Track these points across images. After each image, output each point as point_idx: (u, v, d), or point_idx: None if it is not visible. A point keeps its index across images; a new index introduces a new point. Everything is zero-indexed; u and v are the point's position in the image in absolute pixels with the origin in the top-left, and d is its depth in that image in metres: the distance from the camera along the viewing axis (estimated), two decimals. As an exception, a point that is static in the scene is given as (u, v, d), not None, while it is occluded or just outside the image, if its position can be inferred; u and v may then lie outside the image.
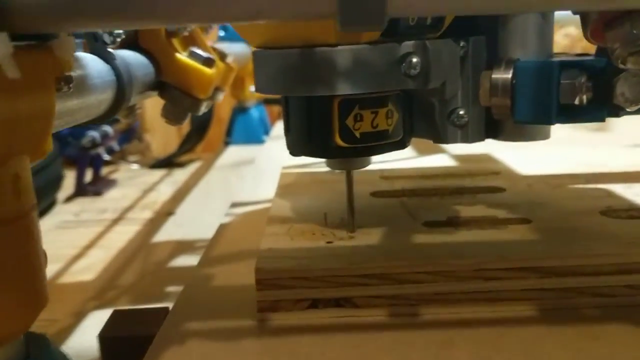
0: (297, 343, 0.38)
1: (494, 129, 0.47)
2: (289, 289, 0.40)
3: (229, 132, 1.40)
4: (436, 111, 0.46)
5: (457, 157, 0.81)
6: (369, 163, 0.46)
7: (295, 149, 0.45)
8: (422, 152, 0.91)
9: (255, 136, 1.35)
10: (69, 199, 1.20)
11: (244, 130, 1.36)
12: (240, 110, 1.39)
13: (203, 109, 0.56)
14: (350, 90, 0.40)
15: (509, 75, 0.42)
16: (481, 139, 0.47)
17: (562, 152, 0.86)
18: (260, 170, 0.89)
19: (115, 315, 0.44)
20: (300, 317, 0.40)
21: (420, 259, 0.41)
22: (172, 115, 0.55)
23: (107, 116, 0.44)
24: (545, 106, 0.40)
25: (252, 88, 1.34)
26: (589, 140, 0.94)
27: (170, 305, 0.45)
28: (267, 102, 1.49)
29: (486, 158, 0.77)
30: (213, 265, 0.51)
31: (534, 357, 0.35)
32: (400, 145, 0.45)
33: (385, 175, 0.63)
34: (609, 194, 0.55)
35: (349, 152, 0.42)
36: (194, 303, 0.44)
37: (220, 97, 0.65)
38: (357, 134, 0.42)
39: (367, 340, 0.38)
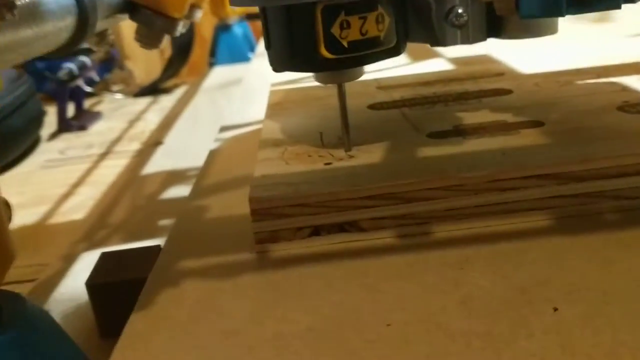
0: (301, 274, 0.35)
1: (496, 27, 0.43)
2: (287, 217, 0.37)
3: (212, 53, 1.33)
4: (432, 11, 0.41)
5: (455, 61, 0.76)
6: (361, 74, 0.41)
7: (278, 65, 0.41)
8: (416, 58, 0.86)
9: (241, 55, 1.29)
10: (53, 136, 1.16)
11: (228, 49, 1.30)
12: (222, 28, 1.32)
13: (180, 29, 0.51)
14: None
15: (516, -38, 0.37)
16: (483, 38, 0.43)
17: (564, 47, 0.81)
18: (249, 90, 0.85)
19: (102, 259, 0.41)
20: (302, 246, 0.38)
21: (428, 173, 0.37)
22: (146, 38, 0.50)
23: (73, 45, 0.39)
24: None
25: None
26: (591, 33, 0.88)
27: (162, 242, 0.42)
28: (251, 17, 1.42)
29: (486, 59, 0.73)
30: (205, 196, 0.48)
31: (559, 271, 0.32)
32: (394, 52, 0.40)
33: (382, 85, 0.59)
34: (624, 88, 0.51)
35: (337, 63, 0.38)
36: (186, 239, 0.41)
37: (198, 15, 0.60)
38: (345, 43, 0.37)
39: (376, 265, 0.35)
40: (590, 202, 0.37)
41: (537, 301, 0.30)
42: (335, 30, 0.36)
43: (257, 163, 0.42)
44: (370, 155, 0.41)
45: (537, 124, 0.44)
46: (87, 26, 0.38)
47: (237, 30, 1.32)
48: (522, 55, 0.70)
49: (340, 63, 0.38)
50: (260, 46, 1.21)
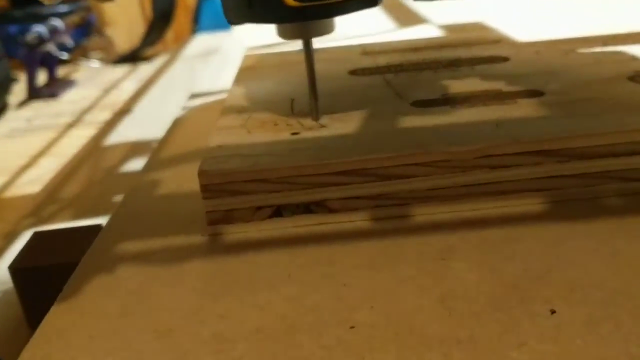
0: (256, 261, 0.30)
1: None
2: (244, 194, 0.32)
3: (196, 20, 1.27)
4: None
5: (446, 27, 0.70)
6: (332, 29, 0.36)
7: (233, 15, 0.35)
8: (403, 24, 0.81)
9: (224, 22, 1.22)
10: (22, 104, 1.10)
11: (211, 16, 1.23)
12: (207, -6, 1.26)
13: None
14: None
15: None
16: None
17: (566, 14, 0.76)
18: (226, 58, 0.79)
19: (34, 240, 0.35)
20: (261, 228, 0.32)
21: (409, 147, 0.32)
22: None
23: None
24: None
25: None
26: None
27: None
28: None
29: (481, 27, 0.67)
30: (160, 169, 0.42)
31: (558, 264, 0.27)
32: (371, 2, 0.34)
33: (368, 51, 0.54)
34: (634, 57, 0.45)
35: (303, 14, 0.32)
36: (132, 218, 0.36)
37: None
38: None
39: (344, 252, 0.30)
40: (595, 183, 0.33)
41: (531, 301, 0.25)
42: (302, -28, 0.31)
43: (214, 131, 0.37)
44: (344, 124, 0.36)
45: (535, 93, 0.39)
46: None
47: (222, -4, 1.25)
48: (518, 24, 0.64)
49: (307, 13, 0.32)
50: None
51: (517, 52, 0.49)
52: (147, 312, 0.27)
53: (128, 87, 1.11)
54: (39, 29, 1.15)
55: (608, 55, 0.46)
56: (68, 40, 1.26)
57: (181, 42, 1.41)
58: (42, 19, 1.24)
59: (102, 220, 0.45)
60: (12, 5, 1.26)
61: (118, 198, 0.48)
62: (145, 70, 1.26)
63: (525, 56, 0.48)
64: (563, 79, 0.41)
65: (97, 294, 0.28)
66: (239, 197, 0.32)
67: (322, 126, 0.36)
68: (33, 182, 0.64)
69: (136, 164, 0.55)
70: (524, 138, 0.32)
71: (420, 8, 0.81)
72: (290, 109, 0.40)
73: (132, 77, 1.21)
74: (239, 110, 0.40)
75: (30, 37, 1.12)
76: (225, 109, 0.41)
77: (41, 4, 1.24)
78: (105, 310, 0.27)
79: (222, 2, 0.35)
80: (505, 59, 0.47)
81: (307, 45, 0.35)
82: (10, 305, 0.35)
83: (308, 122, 0.37)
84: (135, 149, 0.59)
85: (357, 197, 0.32)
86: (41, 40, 1.13)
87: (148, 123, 0.67)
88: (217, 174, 0.31)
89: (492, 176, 0.32)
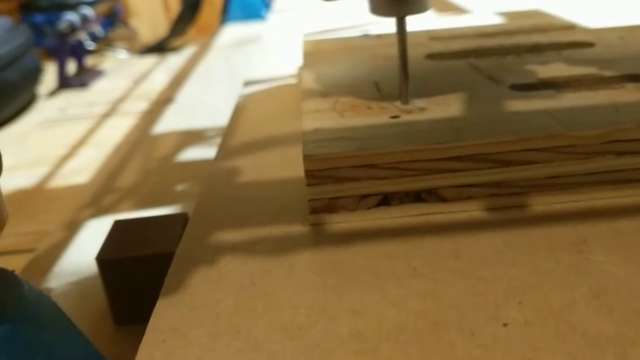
0: (371, 253, 0.27)
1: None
2: (351, 181, 0.30)
3: (224, 10, 1.24)
4: None
5: (504, 14, 0.68)
6: (428, 7, 0.33)
7: None
8: (442, 11, 0.78)
9: (255, 11, 1.20)
10: (52, 93, 1.07)
11: (241, 6, 1.20)
12: (235, -16, 1.23)
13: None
14: None
15: None
16: None
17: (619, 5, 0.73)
18: (268, 47, 0.76)
19: (116, 230, 0.33)
20: (368, 218, 0.30)
21: (528, 131, 0.29)
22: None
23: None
24: None
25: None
26: None
27: (182, 209, 0.34)
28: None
29: (540, 14, 0.64)
30: (235, 157, 0.40)
31: None
32: None
33: (436, 36, 0.51)
34: None
35: None
36: (219, 207, 0.33)
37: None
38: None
39: (466, 245, 0.27)
40: None
41: (699, 297, 0.23)
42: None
43: (304, 115, 0.34)
44: (445, 107, 0.34)
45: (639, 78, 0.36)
46: None
47: (252, -14, 1.23)
48: (575, 12, 0.62)
49: None
50: (277, 2, 1.12)
51: (599, 37, 0.47)
52: (267, 309, 0.24)
53: (159, 78, 1.08)
54: (71, 17, 1.12)
55: (702, 39, 0.44)
56: (98, 29, 1.23)
57: (206, 33, 1.38)
58: (68, 8, 1.21)
59: (168, 210, 0.42)
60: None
61: (180, 187, 0.46)
62: (174, 60, 1.23)
63: (609, 41, 0.45)
64: (665, 63, 0.39)
65: (205, 288, 0.26)
66: (344, 184, 0.30)
67: (422, 109, 0.34)
68: (77, 172, 0.62)
69: (191, 153, 0.52)
70: (653, 122, 0.29)
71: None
72: (377, 91, 0.38)
73: (161, 68, 1.19)
74: (322, 94, 0.38)
75: (62, 25, 1.10)
76: (306, 93, 0.39)
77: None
78: (219, 306, 0.25)
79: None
80: (590, 44, 0.45)
81: (401, 23, 0.33)
82: (92, 299, 0.33)
83: (404, 106, 0.35)
84: (186, 137, 0.57)
85: (472, 185, 0.30)
86: (73, 28, 1.11)
87: (193, 112, 0.64)
88: (324, 158, 0.29)
89: (618, 163, 0.30)
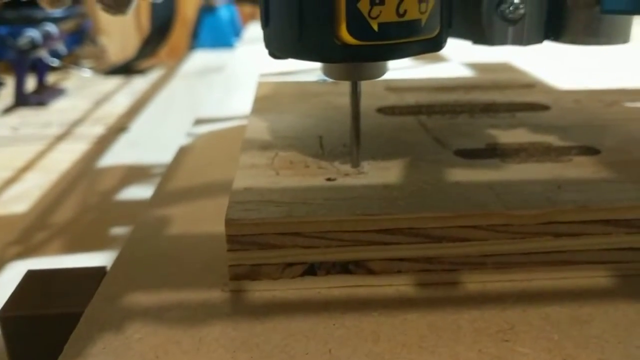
0: (292, 330, 0.26)
1: (556, 27, 0.34)
2: (275, 248, 0.28)
3: (194, 35, 1.23)
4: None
5: (471, 66, 0.67)
6: (385, 71, 0.32)
7: (277, 48, 0.31)
8: (418, 59, 0.78)
9: (224, 39, 1.19)
10: (7, 110, 1.04)
11: (211, 32, 1.19)
12: (207, 9, 1.22)
13: (155, -8, 0.41)
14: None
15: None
16: (539, 40, 0.35)
17: (592, 62, 0.74)
18: (232, 79, 0.75)
19: (27, 281, 0.31)
20: (291, 287, 0.28)
21: (465, 206, 0.28)
22: (110, 0, 0.40)
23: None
24: None
25: (221, -17, 1.16)
26: (614, 50, 0.81)
27: (110, 259, 0.32)
28: (239, 0, 1.32)
29: (507, 68, 0.64)
30: (170, 203, 0.38)
31: (637, 354, 0.24)
32: (435, 44, 0.31)
33: (392, 87, 0.50)
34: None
35: (360, 53, 0.28)
36: (140, 263, 0.31)
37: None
38: (375, 25, 0.28)
39: (391, 326, 0.26)
40: (666, 258, 0.29)
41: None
42: (363, 5, 0.27)
43: (238, 170, 0.33)
44: (385, 173, 0.32)
45: (589, 150, 0.35)
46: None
47: (223, 13, 1.21)
48: (546, 67, 0.62)
49: (365, 53, 0.28)
50: (247, 31, 1.12)
51: (556, 99, 0.46)
52: (163, 390, 0.22)
53: (120, 101, 1.06)
54: (32, 33, 1.10)
55: (655, 111, 0.43)
56: (61, 47, 1.21)
57: (176, 56, 1.37)
58: (35, 22, 1.19)
59: (99, 255, 0.40)
60: (4, 6, 1.21)
61: (116, 229, 0.44)
62: (139, 83, 1.21)
63: (565, 105, 0.45)
64: (615, 135, 0.38)
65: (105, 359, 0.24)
66: (268, 251, 0.28)
67: (360, 173, 0.32)
68: (18, 199, 0.59)
69: (135, 191, 0.50)
70: (593, 205, 0.28)
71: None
72: (320, 147, 0.36)
73: (125, 90, 1.16)
74: (263, 146, 0.37)
75: (22, 41, 1.07)
76: (246, 142, 0.37)
77: (35, 7, 1.20)
78: (113, 383, 0.23)
79: (264, 33, 0.31)
80: (545, 107, 0.44)
81: (355, 87, 0.32)
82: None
83: (343, 166, 0.33)
84: (133, 172, 0.55)
85: (403, 259, 0.28)
86: (34, 45, 1.08)
87: (146, 144, 0.62)
88: (248, 224, 0.27)
89: (555, 245, 0.29)
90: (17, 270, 0.36)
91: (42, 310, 0.29)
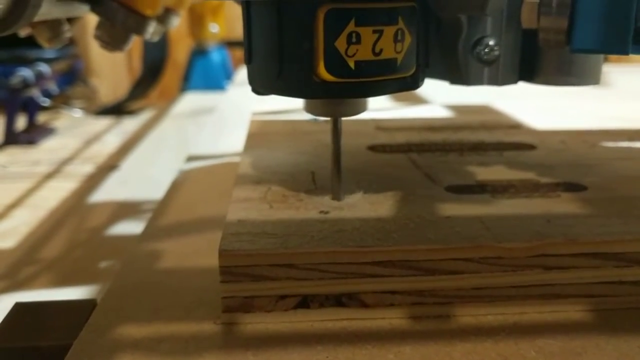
0: (280, 359, 0.26)
1: (529, 68, 0.35)
2: (268, 280, 0.28)
3: (186, 78, 1.24)
4: (461, 37, 0.34)
5: (452, 108, 0.69)
6: (364, 108, 0.33)
7: (259, 85, 0.32)
8: (400, 100, 0.79)
9: (216, 82, 1.20)
10: (-3, 148, 1.04)
11: (203, 75, 1.21)
12: (199, 53, 1.24)
13: (150, 31, 0.42)
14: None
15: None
16: (514, 80, 0.36)
17: (570, 105, 0.75)
18: (222, 120, 0.76)
19: (15, 313, 0.30)
20: (284, 320, 0.28)
21: (456, 239, 0.29)
22: (108, 37, 0.41)
23: (5, 23, 0.30)
24: (620, 28, 0.28)
25: (213, 27, 1.19)
26: (592, 94, 0.83)
27: (100, 293, 0.32)
28: (230, 44, 1.34)
29: (488, 110, 0.66)
30: (160, 238, 0.38)
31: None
32: (411, 83, 0.31)
33: (382, 126, 0.51)
34: (665, 155, 0.44)
35: (338, 90, 0.29)
36: (130, 295, 0.31)
37: (175, 22, 0.51)
38: (351, 63, 0.28)
39: (380, 357, 0.26)
40: (654, 292, 0.29)
41: None
42: (340, 44, 0.28)
43: (231, 204, 0.33)
44: (377, 207, 0.33)
45: (577, 187, 0.36)
46: (29, 2, 0.29)
47: (215, 56, 1.23)
48: (524, 110, 0.63)
49: (343, 89, 0.29)
50: (239, 74, 1.13)
51: (542, 140, 0.47)
52: (154, 422, 0.22)
53: (111, 140, 1.06)
54: (25, 72, 1.10)
55: (638, 151, 0.44)
56: (52, 87, 1.22)
57: (167, 98, 1.38)
58: (28, 62, 1.20)
59: (87, 291, 0.40)
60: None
61: (105, 265, 0.44)
62: (129, 124, 1.21)
63: (551, 145, 0.46)
64: (601, 173, 0.39)
65: (92, 392, 0.24)
66: (262, 283, 0.28)
67: (353, 206, 0.33)
68: (4, 236, 0.59)
69: (125, 227, 0.50)
70: (581, 238, 0.29)
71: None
72: (313, 182, 0.37)
73: (115, 130, 1.17)
74: (256, 180, 0.37)
75: (14, 80, 1.08)
76: (240, 178, 0.38)
77: (28, 47, 1.21)
78: (103, 415, 0.23)
79: (248, 69, 0.32)
80: (532, 147, 0.45)
81: (335, 123, 0.32)
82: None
83: (336, 200, 0.34)
84: (122, 209, 0.54)
85: (396, 292, 0.28)
86: (25, 84, 1.09)
87: (136, 182, 0.62)
88: (242, 255, 0.27)
89: (546, 278, 0.29)
90: (4, 305, 0.35)
91: (30, 342, 0.28)
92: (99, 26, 0.41)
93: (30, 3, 0.30)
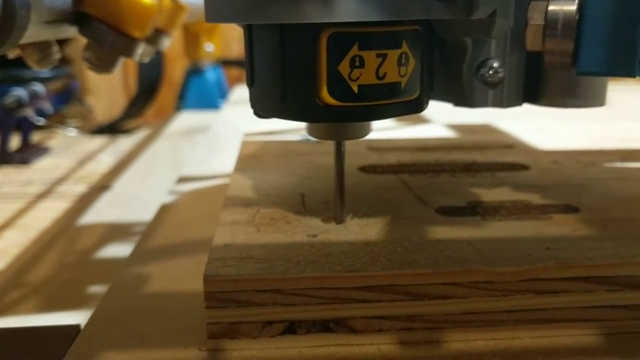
0: (267, 391, 0.25)
1: (534, 90, 0.35)
2: (254, 306, 0.27)
3: (181, 97, 1.24)
4: (465, 59, 0.33)
5: (452, 127, 0.68)
6: (367, 132, 0.32)
7: (262, 108, 0.31)
8: (402, 120, 0.79)
9: (211, 101, 1.20)
10: (-11, 168, 1.04)
11: (198, 94, 1.21)
12: (194, 72, 1.24)
13: (139, 53, 0.42)
14: (347, 17, 0.26)
15: (574, 7, 0.29)
16: (518, 102, 0.35)
17: (566, 125, 0.75)
18: (216, 139, 0.75)
19: (-3, 340, 0.30)
20: (271, 346, 0.28)
21: (446, 263, 0.28)
22: (96, 59, 0.41)
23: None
24: (626, 50, 0.28)
25: (208, 47, 1.19)
26: (588, 115, 0.82)
27: (85, 318, 0.31)
28: (225, 63, 1.34)
29: (488, 129, 0.65)
30: (148, 261, 0.38)
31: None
32: (416, 107, 0.31)
33: (374, 147, 0.51)
34: (658, 175, 0.43)
35: (341, 114, 0.29)
36: (116, 321, 0.31)
37: (166, 43, 0.51)
38: (355, 87, 0.28)
39: (371, 386, 0.25)
40: (648, 317, 0.29)
41: None
42: (344, 68, 0.28)
43: (218, 227, 0.33)
44: (366, 229, 0.32)
45: (570, 209, 0.36)
46: (13, 28, 0.28)
47: (210, 75, 1.23)
48: (522, 130, 0.63)
49: (346, 113, 0.29)
50: (234, 93, 1.13)
51: (535, 160, 0.47)
52: None
53: (105, 160, 1.06)
54: (19, 92, 1.10)
55: (633, 171, 0.44)
56: (47, 106, 1.21)
57: (162, 117, 1.38)
58: (23, 82, 1.20)
59: (74, 315, 0.39)
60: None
61: (93, 288, 0.43)
62: (124, 143, 1.21)
63: (544, 165, 0.45)
64: (594, 194, 0.38)
65: (70, 423, 0.23)
66: (248, 308, 0.27)
67: (342, 229, 0.32)
68: (-7, 258, 0.58)
69: (114, 249, 0.50)
70: (574, 262, 0.28)
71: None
72: (302, 205, 0.36)
73: (110, 150, 1.17)
74: (244, 203, 0.36)
75: (8, 100, 1.08)
76: (229, 200, 0.37)
77: (23, 67, 1.21)
78: None
79: (250, 92, 0.31)
80: (524, 167, 0.45)
81: (339, 147, 0.32)
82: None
83: (323, 223, 0.33)
84: (113, 230, 0.54)
85: (384, 317, 0.28)
86: (20, 104, 1.09)
87: (128, 203, 0.62)
88: (227, 280, 0.27)
89: (538, 302, 0.28)
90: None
91: (12, 370, 0.28)
92: (87, 48, 0.41)
93: (16, 26, 0.29)
